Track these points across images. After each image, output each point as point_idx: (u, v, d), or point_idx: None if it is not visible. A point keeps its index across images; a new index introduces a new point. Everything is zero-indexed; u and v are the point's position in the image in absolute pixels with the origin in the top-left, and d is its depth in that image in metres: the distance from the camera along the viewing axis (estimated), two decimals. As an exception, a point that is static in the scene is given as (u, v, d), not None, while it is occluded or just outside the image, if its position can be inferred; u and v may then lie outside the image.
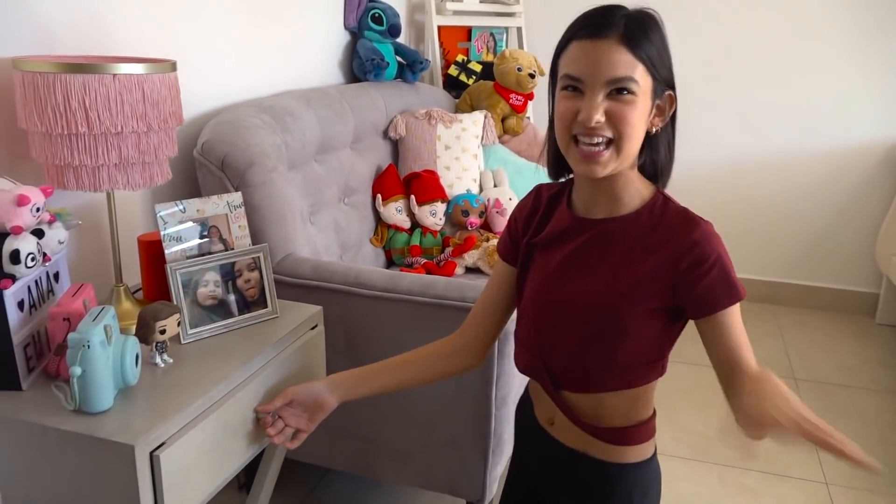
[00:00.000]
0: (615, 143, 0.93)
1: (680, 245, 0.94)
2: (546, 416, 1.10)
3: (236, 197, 1.48)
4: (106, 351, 1.08)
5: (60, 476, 1.08)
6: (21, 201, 1.12)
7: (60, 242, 1.24)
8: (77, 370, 1.05)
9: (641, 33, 0.92)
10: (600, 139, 0.92)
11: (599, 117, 0.91)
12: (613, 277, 0.97)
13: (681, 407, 2.55)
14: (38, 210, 1.17)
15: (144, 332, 1.21)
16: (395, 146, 2.58)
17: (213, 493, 1.17)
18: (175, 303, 1.32)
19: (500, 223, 2.49)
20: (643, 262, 0.96)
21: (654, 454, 1.08)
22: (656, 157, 1.00)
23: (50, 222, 1.21)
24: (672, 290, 0.96)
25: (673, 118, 1.00)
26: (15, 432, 1.08)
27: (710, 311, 0.95)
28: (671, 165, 1.02)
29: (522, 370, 1.12)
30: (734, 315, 0.96)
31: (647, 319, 0.98)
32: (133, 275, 1.55)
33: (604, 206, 1.01)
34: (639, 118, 0.93)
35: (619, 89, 0.91)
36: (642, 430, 1.04)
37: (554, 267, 1.03)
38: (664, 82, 0.96)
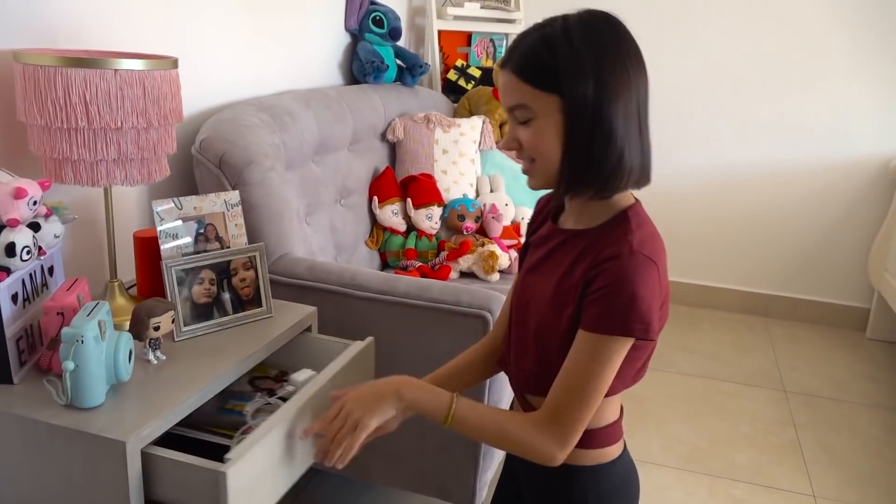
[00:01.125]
0: (535, 162, 0.96)
1: (598, 259, 0.92)
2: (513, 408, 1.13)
3: (233, 195, 1.48)
4: (99, 346, 1.08)
5: (51, 471, 1.08)
6: (18, 194, 1.12)
7: (56, 236, 1.23)
8: (70, 365, 1.05)
9: (538, 55, 0.91)
10: (524, 160, 0.98)
11: (510, 143, 0.97)
12: (554, 286, 0.99)
13: (671, 417, 2.56)
14: (34, 203, 1.17)
15: (138, 329, 1.21)
16: (393, 149, 2.58)
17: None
18: (170, 300, 1.32)
19: (496, 228, 2.50)
20: (575, 272, 0.96)
21: (621, 459, 1.06)
22: (576, 168, 0.94)
23: (46, 216, 1.21)
24: (579, 301, 0.94)
25: (598, 121, 0.91)
26: (5, 426, 1.08)
27: (585, 325, 0.92)
28: (601, 170, 0.93)
29: (497, 362, 1.16)
30: (598, 345, 0.90)
31: (572, 334, 0.96)
32: (128, 271, 1.55)
33: (572, 218, 1.03)
34: (542, 139, 0.93)
35: (516, 116, 0.95)
36: (598, 434, 1.03)
37: (527, 269, 1.08)
38: (595, 86, 0.90)
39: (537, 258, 1.05)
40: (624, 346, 0.91)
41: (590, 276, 0.92)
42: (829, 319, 3.46)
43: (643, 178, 0.96)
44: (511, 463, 1.18)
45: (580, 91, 0.90)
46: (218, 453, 1.09)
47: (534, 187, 0.99)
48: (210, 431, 1.22)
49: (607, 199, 0.97)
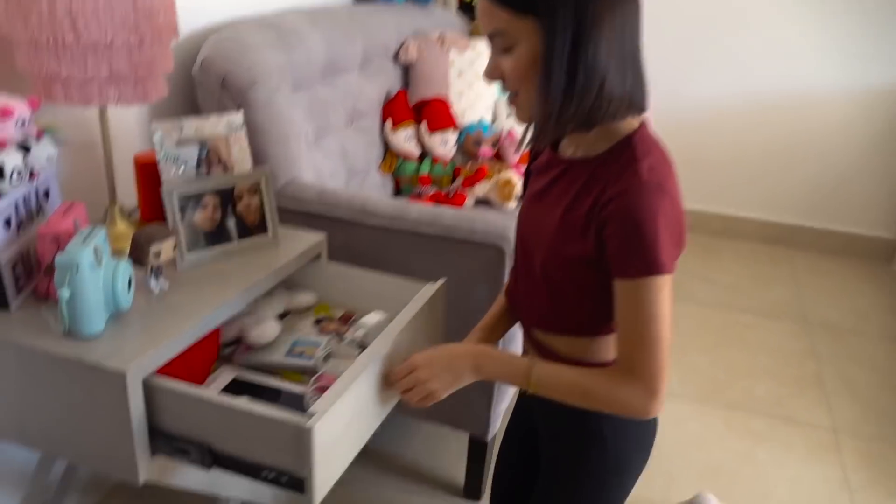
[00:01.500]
0: (519, 94, 0.90)
1: (608, 191, 0.86)
2: (524, 344, 1.10)
3: (237, 117, 1.41)
4: (96, 273, 1.03)
5: (52, 401, 1.05)
6: (4, 113, 1.06)
7: (49, 159, 1.17)
8: (65, 293, 1.01)
9: None
10: (509, 91, 0.91)
11: (492, 73, 0.91)
12: (559, 218, 0.93)
13: (688, 348, 2.52)
14: (23, 124, 1.11)
15: (139, 256, 1.16)
16: (406, 71, 2.47)
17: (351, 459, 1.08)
18: (171, 226, 1.27)
19: (512, 155, 2.41)
20: (581, 204, 0.90)
21: None
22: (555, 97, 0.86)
23: (37, 137, 1.14)
24: (595, 242, 0.88)
25: (577, 44, 0.83)
26: (3, 355, 1.05)
27: (616, 273, 0.87)
28: (582, 99, 0.85)
29: (505, 293, 1.13)
30: (638, 291, 0.85)
31: (581, 268, 0.92)
32: (131, 197, 1.49)
33: (572, 145, 0.96)
34: (522, 67, 0.86)
35: (496, 45, 0.88)
36: None
37: (529, 198, 1.03)
38: (576, 8, 0.82)
39: (539, 187, 1.00)
40: (664, 282, 0.86)
41: (600, 216, 0.86)
42: (853, 250, 3.37)
43: (634, 107, 0.89)
44: (524, 393, 1.14)
45: (558, 12, 0.82)
46: (285, 401, 1.06)
47: (522, 120, 0.93)
48: (277, 375, 1.19)
49: (607, 126, 0.90)
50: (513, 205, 2.27)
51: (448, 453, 1.91)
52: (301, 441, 0.92)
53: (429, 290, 1.27)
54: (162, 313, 1.13)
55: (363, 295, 1.39)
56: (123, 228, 1.37)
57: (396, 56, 2.42)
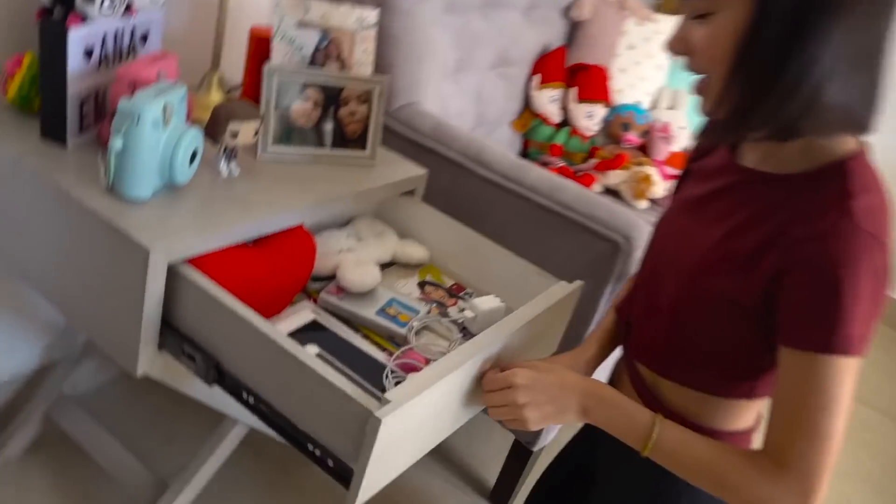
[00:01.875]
0: (709, 78, 0.68)
1: (799, 227, 0.64)
2: (618, 372, 0.91)
3: (371, 15, 1.24)
4: (157, 132, 0.90)
5: (73, 255, 0.94)
6: (112, -73, 0.93)
7: (156, 1, 1.05)
8: (117, 143, 0.88)
9: None
10: (694, 72, 0.70)
11: (677, 45, 0.70)
12: (716, 241, 0.72)
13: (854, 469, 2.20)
14: (133, -51, 0.98)
15: (214, 131, 1.02)
16: (573, 28, 2.23)
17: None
18: (262, 110, 1.12)
19: (661, 150, 2.13)
20: (752, 232, 0.69)
21: None
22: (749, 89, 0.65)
23: (147, -31, 1.02)
24: (763, 288, 0.66)
25: (798, 27, 0.61)
26: (41, 190, 0.94)
27: (788, 339, 0.65)
28: (783, 101, 0.63)
29: (616, 308, 0.92)
30: (815, 369, 0.64)
31: (728, 312, 0.70)
32: (238, 72, 1.37)
33: (757, 152, 0.73)
34: (719, 41, 0.65)
35: (691, 6, 0.67)
36: (723, 438, 0.77)
37: (677, 205, 0.83)
38: None
39: (697, 194, 0.79)
40: (851, 366, 0.63)
41: (781, 257, 0.64)
42: None
43: (854, 124, 0.65)
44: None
45: None
46: (360, 367, 0.93)
47: (706, 113, 0.72)
48: (359, 332, 1.03)
49: (812, 140, 0.67)
50: (644, 204, 2.02)
51: (487, 448, 1.73)
52: (364, 429, 0.73)
53: (561, 289, 1.03)
54: (221, 200, 1.00)
55: (466, 259, 1.18)
56: (218, 100, 1.24)
57: (567, 10, 2.19)
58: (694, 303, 0.74)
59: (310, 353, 0.84)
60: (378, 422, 0.72)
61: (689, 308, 0.75)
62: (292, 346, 0.81)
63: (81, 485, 1.34)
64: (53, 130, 0.99)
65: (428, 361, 0.99)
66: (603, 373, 0.94)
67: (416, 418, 0.80)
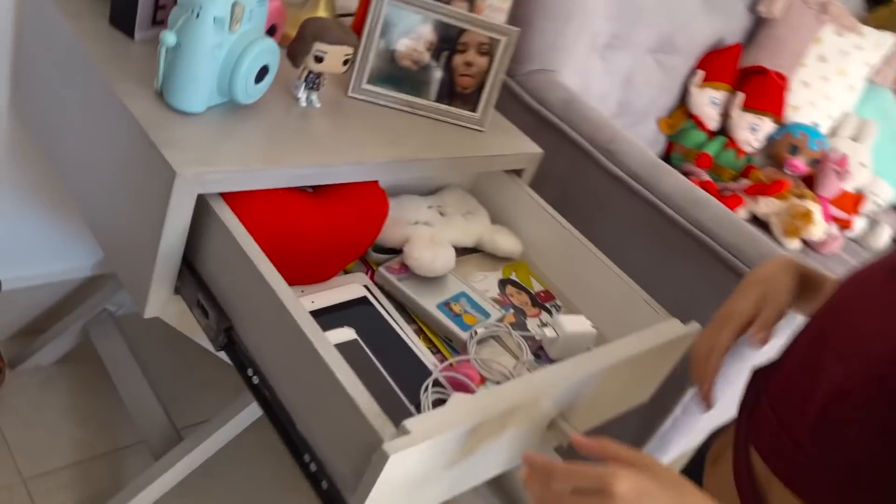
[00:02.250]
0: None
1: None
2: (717, 447, 0.70)
3: (518, -47, 1.03)
4: (219, 36, 0.75)
5: (108, 156, 0.81)
6: None
7: None
8: (170, 38, 0.73)
9: None
10: None
11: None
12: None
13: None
14: None
15: (296, 50, 0.86)
16: (757, 24, 1.92)
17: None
18: (364, 39, 0.95)
19: (831, 186, 1.80)
20: None
21: None
22: None
23: None
24: None
25: None
26: (90, 77, 0.81)
27: None
28: None
29: (741, 404, 0.67)
30: None
31: None
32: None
33: None
34: None
35: None
36: None
37: (888, 273, 0.56)
38: None
39: None
40: None
41: None
42: None
43: None
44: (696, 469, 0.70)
45: None
46: (399, 367, 0.76)
47: None
48: (413, 324, 0.86)
49: None
50: (795, 244, 1.71)
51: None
52: (368, 458, 0.56)
53: (671, 329, 0.81)
54: (287, 132, 0.84)
55: (564, 264, 0.97)
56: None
57: (756, 2, 1.88)
58: (869, 404, 0.50)
59: (337, 339, 0.66)
60: (385, 457, 0.54)
61: (850, 412, 0.52)
62: (312, 328, 0.64)
63: (97, 413, 1.25)
64: (122, 19, 0.86)
65: (484, 381, 0.80)
66: (684, 439, 0.71)
67: (439, 460, 0.61)
